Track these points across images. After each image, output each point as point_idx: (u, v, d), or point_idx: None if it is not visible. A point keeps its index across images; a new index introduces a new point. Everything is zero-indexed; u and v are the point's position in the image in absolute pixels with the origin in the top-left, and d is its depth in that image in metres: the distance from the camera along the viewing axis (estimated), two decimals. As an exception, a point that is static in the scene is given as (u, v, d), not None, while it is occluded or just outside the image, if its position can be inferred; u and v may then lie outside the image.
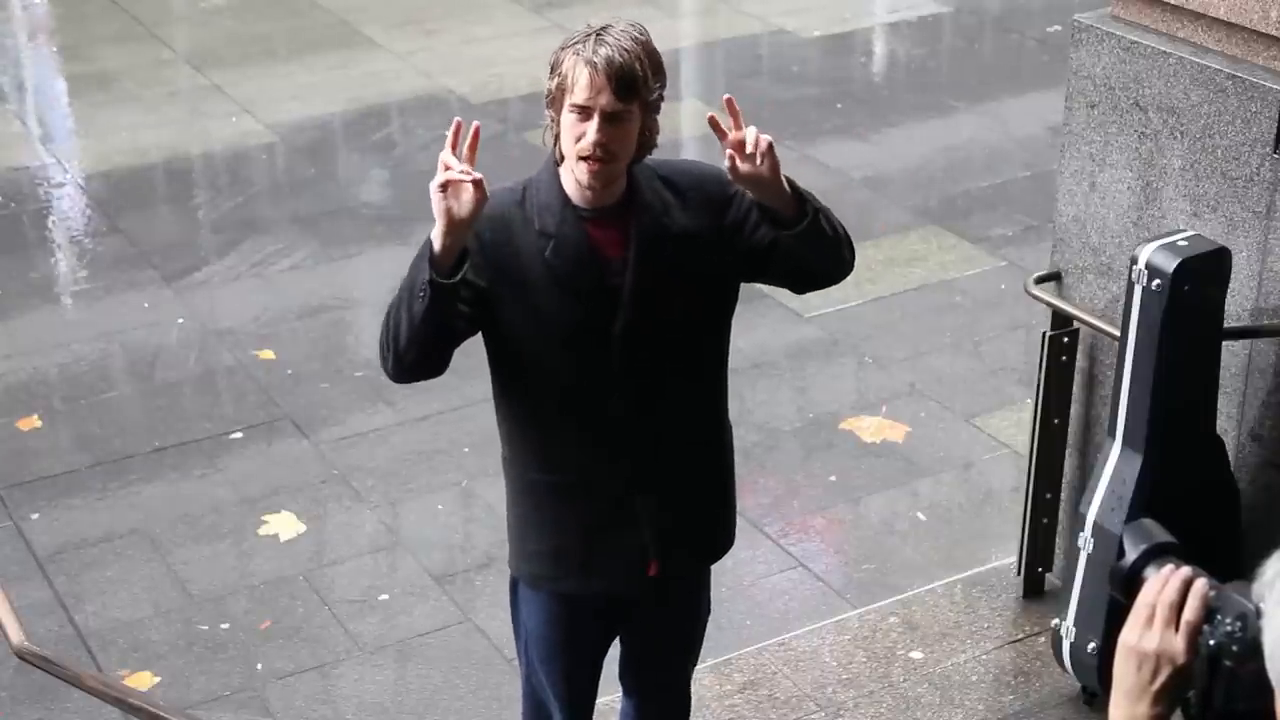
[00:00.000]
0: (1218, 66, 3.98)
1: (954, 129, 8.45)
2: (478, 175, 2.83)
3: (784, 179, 2.93)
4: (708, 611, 3.51)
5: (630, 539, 3.19)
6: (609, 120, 2.90)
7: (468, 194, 2.82)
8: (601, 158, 2.92)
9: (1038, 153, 7.87)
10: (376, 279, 7.00)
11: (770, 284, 3.23)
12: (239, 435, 5.81)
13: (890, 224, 7.31)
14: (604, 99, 2.88)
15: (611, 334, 3.04)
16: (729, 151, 2.88)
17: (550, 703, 3.46)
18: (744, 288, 3.24)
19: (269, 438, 5.80)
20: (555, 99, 2.95)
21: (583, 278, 3.02)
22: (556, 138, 3.00)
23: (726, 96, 2.92)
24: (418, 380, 3.09)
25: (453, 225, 2.84)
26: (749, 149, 2.86)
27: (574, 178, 3.00)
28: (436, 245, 2.86)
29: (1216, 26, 4.04)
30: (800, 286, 3.22)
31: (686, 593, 3.41)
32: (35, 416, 5.93)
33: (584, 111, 2.90)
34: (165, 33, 9.84)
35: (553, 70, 2.95)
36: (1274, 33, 3.89)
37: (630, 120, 2.93)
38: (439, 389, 5.96)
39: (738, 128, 2.90)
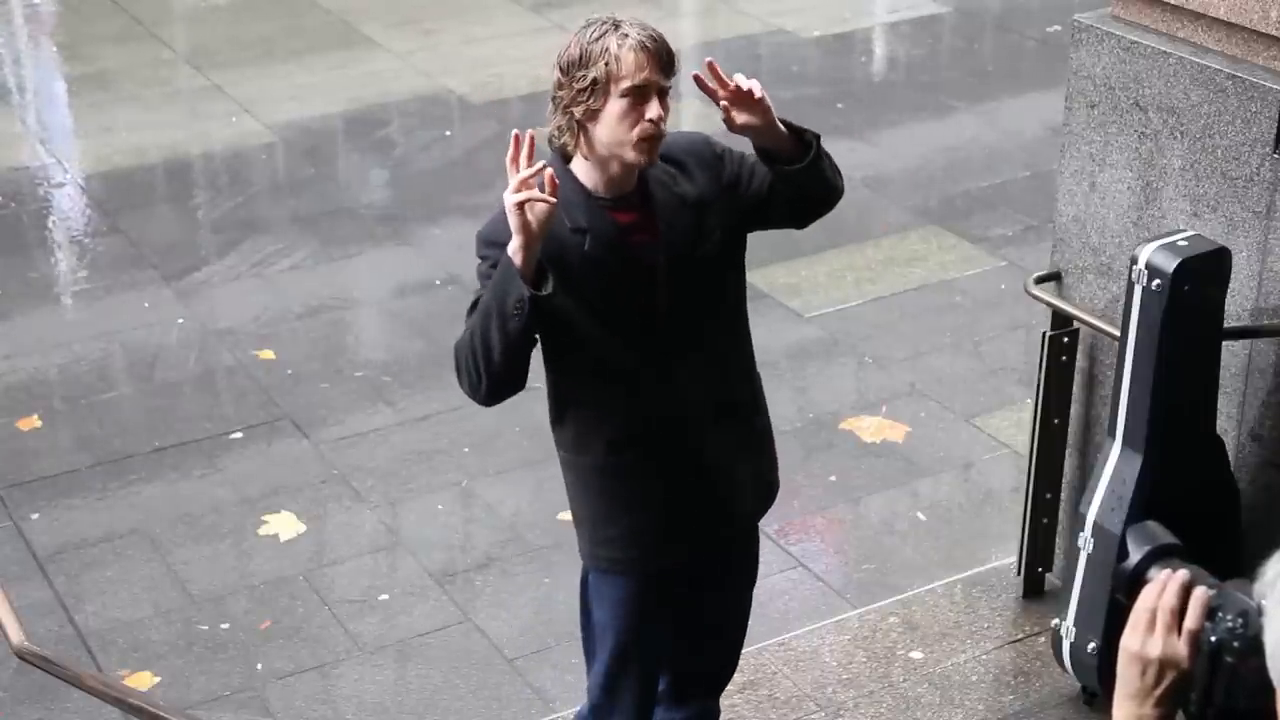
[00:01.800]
0: (1218, 66, 3.98)
1: (954, 129, 8.45)
2: (554, 180, 2.92)
3: (778, 119, 3.07)
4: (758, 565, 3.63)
5: (696, 504, 3.30)
6: (662, 96, 3.04)
7: (542, 205, 2.92)
8: (661, 135, 3.04)
9: (1038, 153, 7.87)
10: (376, 279, 7.01)
11: (775, 227, 3.31)
12: (239, 435, 5.81)
13: (890, 224, 7.31)
14: (658, 76, 3.02)
15: (656, 312, 3.14)
16: (724, 104, 3.02)
17: (619, 702, 3.48)
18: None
19: (269, 438, 5.80)
20: (600, 89, 2.99)
21: (621, 264, 3.11)
22: (577, 134, 3.05)
23: (708, 60, 3.06)
24: (507, 397, 3.14)
25: (530, 238, 2.93)
26: (757, 95, 2.99)
27: (613, 166, 3.08)
28: (518, 260, 2.94)
29: (1216, 26, 4.04)
30: (803, 220, 3.30)
31: (744, 551, 3.54)
32: (35, 416, 5.93)
33: (640, 92, 3.00)
34: (165, 33, 9.84)
35: (582, 65, 2.99)
36: (1274, 33, 3.89)
37: (669, 95, 3.08)
38: (438, 389, 6.00)
39: (723, 85, 3.03)
